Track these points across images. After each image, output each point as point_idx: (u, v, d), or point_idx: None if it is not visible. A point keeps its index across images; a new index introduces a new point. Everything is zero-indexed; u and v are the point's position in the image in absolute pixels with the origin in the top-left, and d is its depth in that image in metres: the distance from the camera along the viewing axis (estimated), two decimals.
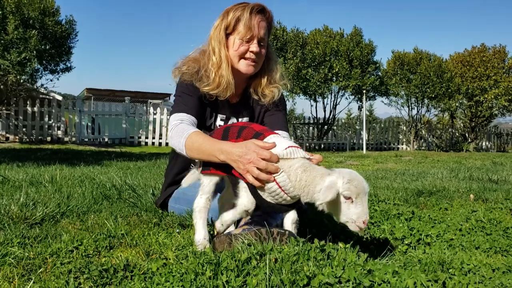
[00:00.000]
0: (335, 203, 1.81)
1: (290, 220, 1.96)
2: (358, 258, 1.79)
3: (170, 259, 1.82)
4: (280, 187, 1.84)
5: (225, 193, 2.22)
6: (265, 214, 2.18)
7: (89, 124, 16.29)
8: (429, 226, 2.60)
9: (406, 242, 2.16)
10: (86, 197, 3.21)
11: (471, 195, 3.75)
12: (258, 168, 1.82)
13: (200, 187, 2.08)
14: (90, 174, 4.82)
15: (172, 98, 2.47)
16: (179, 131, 2.18)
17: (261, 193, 1.89)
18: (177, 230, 2.27)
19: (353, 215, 1.78)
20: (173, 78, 2.47)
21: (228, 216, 1.98)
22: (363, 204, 1.78)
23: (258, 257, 1.68)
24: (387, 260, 1.81)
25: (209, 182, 2.06)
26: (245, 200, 1.92)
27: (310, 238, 1.89)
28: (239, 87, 2.52)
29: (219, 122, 2.52)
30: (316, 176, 1.82)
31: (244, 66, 2.38)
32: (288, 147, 1.88)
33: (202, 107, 2.41)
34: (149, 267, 1.70)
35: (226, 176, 2.08)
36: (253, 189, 1.89)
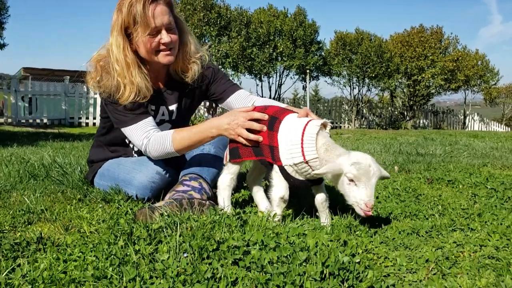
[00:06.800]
0: (342, 185, 1.88)
1: (320, 199, 2.04)
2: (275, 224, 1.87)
3: (86, 232, 1.82)
4: (309, 165, 1.91)
5: (252, 173, 2.29)
6: (193, 188, 2.23)
7: (26, 104, 15.56)
8: None
9: None
10: (11, 176, 3.11)
11: (396, 167, 3.95)
12: (247, 130, 2.02)
13: (226, 166, 2.17)
14: (21, 154, 4.65)
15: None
16: (156, 143, 2.25)
17: (290, 172, 1.95)
18: (100, 205, 2.27)
19: (356, 198, 1.83)
20: (92, 89, 2.42)
21: (265, 204, 2.16)
22: (367, 188, 1.81)
23: (173, 226, 1.72)
24: (300, 224, 1.90)
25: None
26: (279, 189, 1.99)
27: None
28: (161, 73, 2.48)
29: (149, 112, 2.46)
30: (334, 156, 1.88)
31: (163, 58, 2.30)
32: (307, 123, 1.94)
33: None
34: (65, 240, 1.71)
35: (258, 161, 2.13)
36: (283, 170, 1.96)
